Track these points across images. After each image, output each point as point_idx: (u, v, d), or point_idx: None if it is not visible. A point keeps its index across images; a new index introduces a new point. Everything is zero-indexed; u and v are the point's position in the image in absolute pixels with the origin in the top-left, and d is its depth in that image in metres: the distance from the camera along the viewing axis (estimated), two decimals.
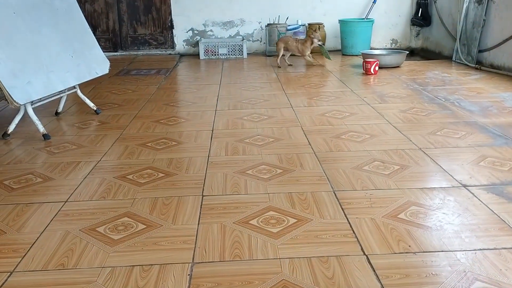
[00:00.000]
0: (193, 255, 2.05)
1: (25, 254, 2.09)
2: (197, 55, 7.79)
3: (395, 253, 2.02)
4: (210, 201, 2.58)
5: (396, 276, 1.87)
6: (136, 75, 6.38)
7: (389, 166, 2.96)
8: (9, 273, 1.95)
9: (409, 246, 2.08)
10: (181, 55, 7.98)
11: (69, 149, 3.49)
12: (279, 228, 2.26)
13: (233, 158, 3.21)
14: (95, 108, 4.45)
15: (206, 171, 2.99)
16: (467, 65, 6.21)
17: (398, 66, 6.31)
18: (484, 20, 5.94)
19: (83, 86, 4.62)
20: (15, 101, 3.38)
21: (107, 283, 1.87)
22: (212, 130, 3.83)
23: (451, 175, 2.80)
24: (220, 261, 2.01)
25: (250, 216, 2.39)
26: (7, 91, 3.33)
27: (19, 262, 2.03)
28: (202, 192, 2.68)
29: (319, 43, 6.31)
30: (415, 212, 2.38)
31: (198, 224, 2.32)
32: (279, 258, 2.01)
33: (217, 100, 4.83)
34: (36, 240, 2.21)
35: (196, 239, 2.18)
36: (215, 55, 7.57)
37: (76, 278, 1.90)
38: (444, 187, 2.65)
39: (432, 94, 4.78)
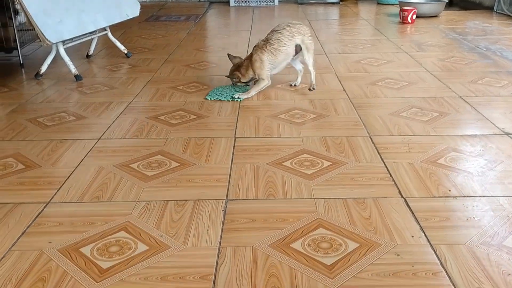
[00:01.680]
0: (227, 193, 2.03)
1: (60, 187, 2.10)
2: (227, 2, 7.62)
3: (434, 197, 1.96)
4: (243, 142, 2.54)
5: (436, 219, 1.81)
6: (166, 21, 6.29)
7: (428, 113, 2.86)
8: (45, 204, 1.97)
9: (449, 190, 2.01)
10: (211, 2, 7.81)
11: (100, 90, 3.48)
12: (313, 170, 2.21)
13: (265, 102, 3.15)
14: (125, 52, 4.41)
15: (238, 114, 2.94)
16: (510, 16, 5.91)
17: (436, 16, 6.05)
18: None
19: (113, 30, 4.56)
20: (47, 40, 3.35)
21: (142, 215, 1.87)
22: None
23: (493, 123, 2.69)
24: (254, 199, 1.99)
25: (283, 158, 2.34)
26: (39, 29, 3.30)
27: (55, 194, 2.05)
28: (235, 134, 2.65)
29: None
30: (455, 158, 2.29)
31: (231, 164, 2.30)
32: (314, 198, 1.98)
33: (248, 46, 4.72)
34: (71, 174, 2.22)
35: (229, 178, 2.16)
36: (245, 2, 7.39)
37: (111, 210, 1.91)
38: (485, 135, 2.55)
39: (472, 44, 4.58)
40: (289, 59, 3.32)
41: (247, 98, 3.19)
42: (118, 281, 1.51)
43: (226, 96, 3.22)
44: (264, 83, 3.24)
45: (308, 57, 3.29)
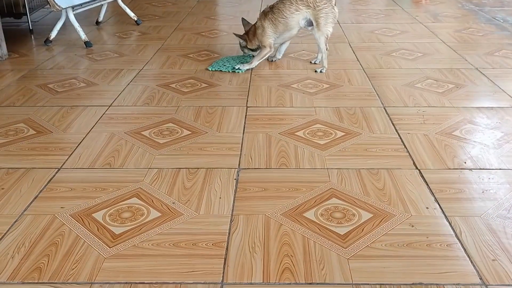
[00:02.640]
0: (239, 161, 2.02)
1: (72, 153, 2.09)
2: None
3: (450, 169, 1.93)
4: (255, 112, 2.51)
5: (451, 190, 1.79)
6: None
7: (443, 85, 2.80)
8: (56, 170, 1.96)
9: (465, 162, 1.98)
10: None
11: (111, 57, 3.44)
12: (327, 140, 2.19)
13: (277, 72, 3.10)
14: (135, 19, 4.34)
15: (249, 83, 2.90)
16: None
17: None
18: None
19: None
20: (57, 5, 3.30)
21: (154, 182, 1.86)
22: None
23: (510, 96, 2.64)
24: (266, 168, 1.97)
25: (296, 127, 2.31)
26: None
27: (66, 160, 2.04)
28: (246, 103, 2.61)
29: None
30: (471, 130, 2.25)
31: (243, 133, 2.27)
32: (327, 169, 1.95)
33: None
34: (82, 140, 2.20)
35: (241, 147, 2.14)
36: None
37: (123, 177, 1.90)
38: (502, 107, 2.50)
39: (489, 15, 4.47)
40: (293, 30, 3.08)
41: (249, 69, 3.08)
42: (130, 246, 1.51)
43: (228, 67, 3.14)
44: (266, 51, 3.08)
45: (318, 35, 3.02)
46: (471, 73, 2.98)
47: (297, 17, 3.01)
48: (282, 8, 3.01)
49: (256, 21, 3.12)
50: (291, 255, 1.47)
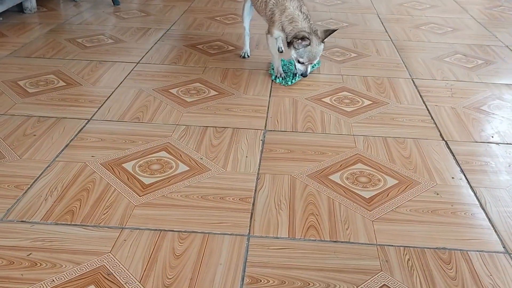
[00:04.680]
0: (265, 123, 2.03)
1: (101, 106, 2.12)
2: None
3: (476, 142, 1.93)
4: None
5: (477, 163, 1.79)
6: None
7: (472, 60, 2.77)
8: (86, 120, 1.99)
9: (492, 137, 1.97)
10: None
11: (138, 16, 3.44)
12: (353, 108, 2.19)
13: None
14: None
15: None
16: None
17: None
18: None
19: None
20: None
21: (182, 138, 1.89)
22: None
23: None
24: (292, 131, 1.99)
25: (322, 94, 2.31)
26: None
27: (96, 111, 2.07)
28: None
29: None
30: (500, 105, 2.24)
31: (270, 96, 2.28)
32: (353, 135, 1.96)
33: None
34: (111, 94, 2.23)
35: (268, 110, 2.15)
36: None
37: (151, 131, 1.93)
38: None
39: None
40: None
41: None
42: (160, 196, 1.54)
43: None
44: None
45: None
46: (501, 51, 2.93)
47: None
48: None
49: None
50: (316, 214, 1.49)
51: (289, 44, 2.29)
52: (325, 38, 2.28)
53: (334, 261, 1.31)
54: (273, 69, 2.48)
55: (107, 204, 1.50)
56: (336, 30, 2.35)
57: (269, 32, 2.44)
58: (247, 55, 2.73)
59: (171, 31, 3.12)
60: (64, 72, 2.44)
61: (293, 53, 2.29)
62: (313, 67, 2.47)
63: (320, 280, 1.25)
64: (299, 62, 2.29)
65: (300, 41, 2.22)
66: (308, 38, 2.21)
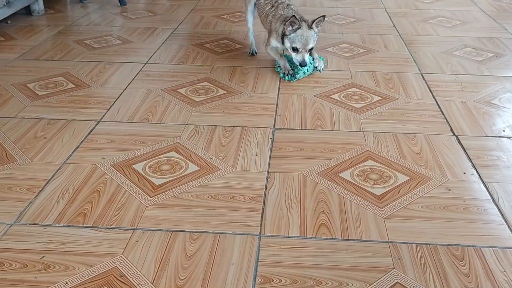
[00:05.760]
0: (274, 122, 2.03)
1: (110, 107, 2.13)
2: None
3: (488, 136, 1.91)
4: None
5: (488, 157, 1.78)
6: None
7: (482, 53, 2.74)
8: (96, 122, 2.00)
9: (503, 131, 1.95)
10: None
11: (145, 15, 3.44)
12: (363, 104, 2.18)
13: None
14: None
15: None
16: None
17: None
18: None
19: None
20: None
21: (191, 138, 1.89)
22: None
23: None
24: (301, 129, 1.98)
25: (331, 90, 2.31)
26: None
27: (105, 113, 2.08)
28: None
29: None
30: (511, 99, 2.21)
31: (278, 94, 2.27)
32: (363, 131, 1.95)
33: None
34: (120, 95, 2.24)
35: (276, 108, 2.14)
36: None
37: (161, 132, 1.93)
38: None
39: None
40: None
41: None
42: (170, 197, 1.55)
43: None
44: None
45: None
46: (511, 43, 2.90)
47: None
48: None
49: None
50: (327, 212, 1.49)
51: (283, 38, 2.38)
52: (312, 24, 2.33)
53: (346, 259, 1.31)
54: (279, 67, 2.47)
55: (118, 206, 1.50)
56: (323, 16, 2.36)
57: (267, 43, 2.53)
58: (255, 52, 2.73)
59: (178, 31, 3.12)
60: (73, 74, 2.45)
61: (286, 43, 2.35)
62: (314, 69, 2.46)
63: (332, 278, 1.25)
64: (293, 50, 2.34)
65: (289, 25, 2.30)
66: (297, 20, 2.29)
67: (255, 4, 2.69)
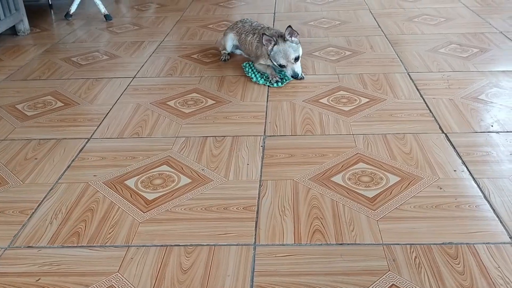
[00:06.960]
0: (265, 129, 2.03)
1: (100, 124, 2.13)
2: None
3: (476, 132, 1.93)
4: None
5: (478, 153, 1.79)
6: None
7: (467, 49, 2.77)
8: (86, 140, 2.00)
9: (491, 125, 1.97)
10: None
11: (131, 29, 3.45)
12: (351, 107, 2.19)
13: None
14: None
15: None
16: None
17: None
18: None
19: None
20: None
21: (182, 150, 1.89)
22: (274, 13, 3.67)
23: None
24: (292, 135, 1.99)
25: (319, 95, 2.32)
26: None
27: (95, 130, 2.08)
28: None
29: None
30: (497, 93, 2.23)
31: (267, 101, 2.28)
32: (353, 134, 1.96)
33: None
34: (109, 111, 2.24)
35: (266, 115, 2.15)
36: None
37: (152, 146, 1.93)
38: None
39: None
40: None
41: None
42: (164, 211, 1.55)
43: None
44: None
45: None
46: (495, 37, 2.93)
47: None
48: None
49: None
50: (320, 218, 1.49)
51: (269, 56, 2.46)
52: (286, 36, 2.39)
53: (341, 264, 1.31)
54: (265, 78, 2.47)
55: (112, 223, 1.50)
56: (289, 26, 2.40)
57: (255, 62, 2.61)
58: (227, 59, 2.78)
59: (165, 43, 3.13)
60: (61, 93, 2.45)
61: (273, 62, 2.44)
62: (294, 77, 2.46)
63: (328, 284, 1.25)
64: (280, 66, 2.43)
65: (265, 42, 2.40)
66: (269, 37, 2.38)
67: (237, 42, 2.77)
